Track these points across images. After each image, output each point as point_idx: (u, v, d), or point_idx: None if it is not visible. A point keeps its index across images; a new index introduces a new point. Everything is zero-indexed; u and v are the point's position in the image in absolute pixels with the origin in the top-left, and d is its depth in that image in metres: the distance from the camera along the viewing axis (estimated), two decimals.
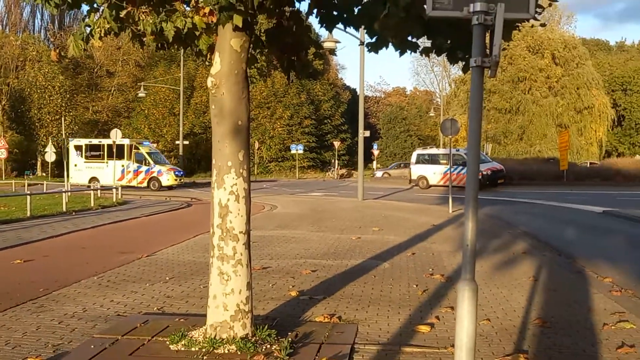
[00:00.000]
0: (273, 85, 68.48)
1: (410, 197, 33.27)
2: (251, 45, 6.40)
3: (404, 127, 74.35)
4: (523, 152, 61.14)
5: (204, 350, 5.99)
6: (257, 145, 63.16)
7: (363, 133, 30.57)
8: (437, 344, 6.50)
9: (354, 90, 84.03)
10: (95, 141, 44.57)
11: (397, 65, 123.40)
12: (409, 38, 6.26)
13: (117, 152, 39.84)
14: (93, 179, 41.61)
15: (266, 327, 6.43)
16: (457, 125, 22.71)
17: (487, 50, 3.78)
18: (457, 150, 37.94)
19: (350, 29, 6.48)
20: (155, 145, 48.53)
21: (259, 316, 7.32)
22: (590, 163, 55.75)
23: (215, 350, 5.97)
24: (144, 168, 41.25)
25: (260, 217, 21.01)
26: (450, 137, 23.59)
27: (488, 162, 41.25)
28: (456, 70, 72.78)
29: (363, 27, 6.38)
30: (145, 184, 41.11)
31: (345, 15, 6.31)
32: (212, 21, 5.77)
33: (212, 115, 6.30)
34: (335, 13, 6.33)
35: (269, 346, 6.10)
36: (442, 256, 12.44)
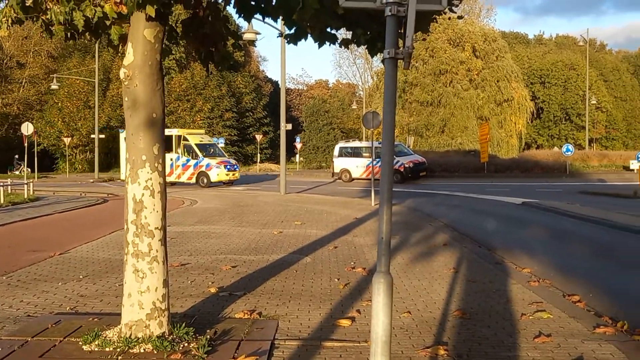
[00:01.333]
0: (193, 78, 67.54)
1: (333, 190, 33.47)
2: (166, 36, 6.31)
3: (327, 120, 74.42)
4: (445, 144, 61.97)
5: (118, 350, 5.89)
6: None
7: (285, 126, 30.57)
8: (357, 337, 6.56)
9: (276, 83, 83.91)
10: None
11: (320, 57, 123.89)
12: (328, 29, 6.30)
13: (165, 144, 37.41)
14: None
15: (184, 325, 6.36)
16: (379, 117, 22.91)
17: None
18: (380, 143, 38.02)
19: (270, 20, 6.46)
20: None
21: (176, 314, 7.24)
22: None
23: (130, 350, 5.88)
24: (192, 162, 36.87)
25: (180, 212, 20.77)
26: (372, 129, 23.81)
27: (410, 155, 41.84)
28: (378, 62, 73.53)
29: (281, 18, 6.38)
30: (194, 180, 36.90)
31: (262, 6, 6.30)
32: (123, 10, 5.65)
33: (125, 107, 6.18)
34: (252, 3, 6.31)
35: (186, 344, 6.04)
36: (364, 249, 12.56)
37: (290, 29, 6.30)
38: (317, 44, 6.35)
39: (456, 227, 16.86)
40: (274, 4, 6.18)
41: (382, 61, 6.20)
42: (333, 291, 8.81)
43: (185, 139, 37.23)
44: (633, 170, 45.82)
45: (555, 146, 70.95)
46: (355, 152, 42.05)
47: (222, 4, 6.48)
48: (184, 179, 37.07)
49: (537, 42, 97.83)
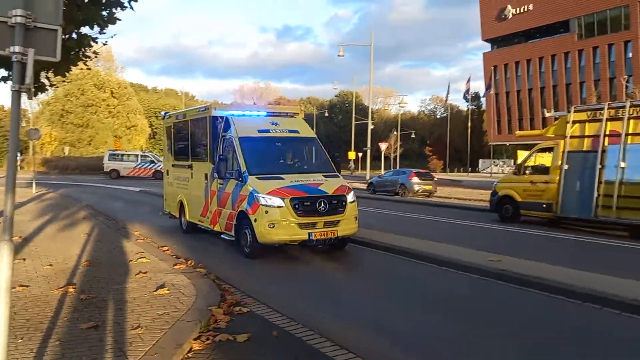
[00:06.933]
0: None
1: None
2: None
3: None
4: (91, 153, 57.32)
5: None
6: None
7: None
8: None
9: None
10: (180, 112, 11.39)
11: None
12: None
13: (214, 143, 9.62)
14: (181, 208, 10.96)
15: None
16: (39, 132, 20.12)
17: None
18: (143, 152, 37.59)
19: None
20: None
21: None
22: None
23: None
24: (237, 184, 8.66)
25: None
26: (34, 140, 20.80)
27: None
28: (42, 94, 64.32)
29: None
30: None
31: None
32: None
33: None
34: None
35: None
36: (24, 225, 10.86)
37: None
38: None
39: (95, 206, 15.62)
40: None
41: (28, 96, 5.46)
42: None
43: (226, 127, 8.84)
44: None
45: None
46: (121, 158, 36.84)
47: None
48: (218, 227, 9.17)
49: (153, 90, 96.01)
